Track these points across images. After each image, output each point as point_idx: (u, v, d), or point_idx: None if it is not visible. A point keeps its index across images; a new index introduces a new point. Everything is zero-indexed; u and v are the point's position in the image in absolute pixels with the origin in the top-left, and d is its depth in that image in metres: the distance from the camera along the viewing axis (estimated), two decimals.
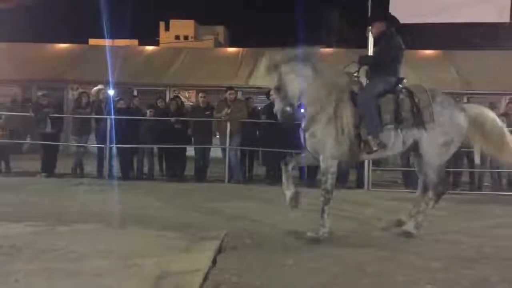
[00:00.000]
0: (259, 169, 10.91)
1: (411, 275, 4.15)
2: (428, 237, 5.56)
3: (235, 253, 4.66)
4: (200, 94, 10.89)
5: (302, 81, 5.62)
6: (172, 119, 10.13)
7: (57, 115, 10.65)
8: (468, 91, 15.67)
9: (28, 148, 12.40)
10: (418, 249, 5.02)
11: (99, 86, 11.16)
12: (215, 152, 10.98)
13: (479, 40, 18.12)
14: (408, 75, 17.06)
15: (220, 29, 33.74)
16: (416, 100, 5.46)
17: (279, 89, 5.64)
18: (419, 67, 16.81)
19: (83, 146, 10.73)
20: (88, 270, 3.91)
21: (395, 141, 5.54)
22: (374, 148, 5.48)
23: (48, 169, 10.28)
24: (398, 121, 5.48)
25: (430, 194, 5.60)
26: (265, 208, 6.83)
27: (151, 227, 5.63)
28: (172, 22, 33.92)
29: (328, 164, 5.48)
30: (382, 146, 5.47)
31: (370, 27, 6.18)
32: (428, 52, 18.40)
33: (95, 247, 4.62)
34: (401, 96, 5.54)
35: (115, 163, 10.23)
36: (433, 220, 6.65)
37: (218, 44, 30.57)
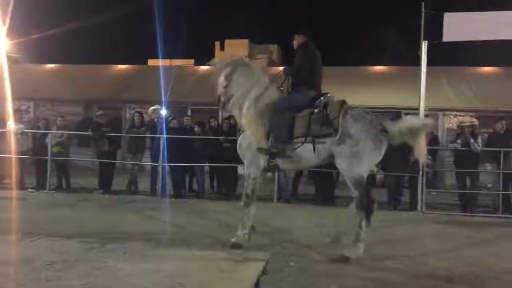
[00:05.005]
0: (310, 189, 10.85)
1: None
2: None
3: (278, 276, 4.64)
4: None
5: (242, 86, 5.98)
6: (221, 138, 10.27)
7: (114, 134, 11.06)
8: None
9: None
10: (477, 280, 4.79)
11: (155, 106, 11.52)
12: None
13: None
14: (465, 91, 16.54)
15: (274, 47, 33.75)
16: (327, 113, 5.57)
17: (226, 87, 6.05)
18: (478, 84, 16.28)
19: (138, 164, 11.08)
20: None
21: (307, 153, 5.67)
22: (278, 159, 5.75)
23: (105, 186, 10.68)
24: (309, 134, 5.60)
25: (359, 214, 5.35)
26: (312, 230, 6.72)
27: (198, 246, 5.73)
28: (227, 41, 34.40)
29: (249, 170, 5.88)
30: (287, 157, 5.69)
31: (293, 40, 6.20)
32: (487, 68, 17.77)
33: (142, 265, 4.75)
34: (316, 110, 5.67)
35: (168, 181, 10.49)
36: (479, 245, 6.36)
37: (272, 63, 30.67)
